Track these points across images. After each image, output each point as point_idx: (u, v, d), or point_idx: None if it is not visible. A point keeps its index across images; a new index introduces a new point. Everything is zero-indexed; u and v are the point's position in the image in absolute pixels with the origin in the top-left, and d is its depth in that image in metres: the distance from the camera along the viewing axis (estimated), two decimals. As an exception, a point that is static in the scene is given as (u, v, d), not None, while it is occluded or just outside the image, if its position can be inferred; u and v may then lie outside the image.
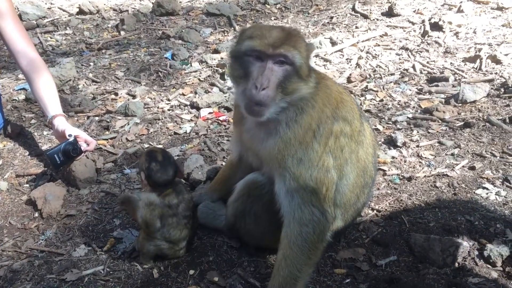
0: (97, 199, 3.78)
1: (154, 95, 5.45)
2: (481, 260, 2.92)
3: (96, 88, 5.65)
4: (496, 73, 5.23)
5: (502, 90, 4.83)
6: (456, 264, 2.90)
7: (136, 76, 5.89)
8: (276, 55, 2.46)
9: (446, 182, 3.64)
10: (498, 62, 5.42)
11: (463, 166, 3.79)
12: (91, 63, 6.25)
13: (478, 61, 5.47)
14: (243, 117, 2.83)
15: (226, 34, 6.94)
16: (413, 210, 3.39)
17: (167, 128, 4.78)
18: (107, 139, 4.61)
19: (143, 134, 4.68)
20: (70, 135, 3.89)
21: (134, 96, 5.40)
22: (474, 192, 3.51)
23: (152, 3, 7.95)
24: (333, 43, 6.24)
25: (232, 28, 7.05)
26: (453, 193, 3.52)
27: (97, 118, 4.98)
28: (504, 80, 4.97)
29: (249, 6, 7.82)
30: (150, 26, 7.40)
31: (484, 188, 3.52)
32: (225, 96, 5.21)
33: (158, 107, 5.17)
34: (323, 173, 2.61)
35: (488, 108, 4.61)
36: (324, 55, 6.00)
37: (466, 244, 2.94)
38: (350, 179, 2.78)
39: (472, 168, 3.75)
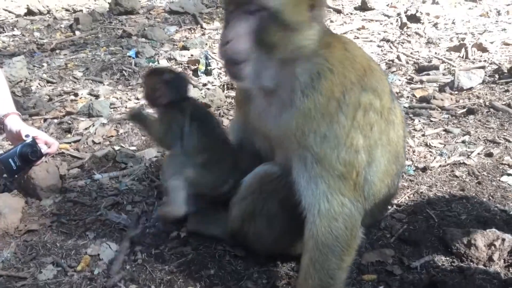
0: (63, 210, 3.16)
1: (120, 94, 4.86)
2: (530, 254, 2.54)
3: (52, 89, 4.99)
4: (485, 61, 5.00)
5: (497, 76, 4.59)
6: (502, 261, 2.50)
7: (97, 76, 5.28)
8: (243, 2, 2.00)
9: (465, 171, 3.27)
10: (484, 50, 5.21)
11: (478, 154, 3.45)
12: (44, 64, 5.59)
13: (463, 50, 5.23)
14: (247, 95, 2.38)
15: (193, 31, 6.45)
16: (437, 202, 2.99)
17: (139, 128, 4.19)
18: (69, 143, 3.98)
19: (112, 136, 4.09)
20: (27, 136, 3.24)
21: (97, 96, 4.79)
22: (499, 180, 3.15)
23: (109, 2, 7.35)
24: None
25: (199, 26, 6.56)
26: (477, 182, 3.15)
27: (56, 120, 4.34)
28: (497, 66, 4.74)
29: (214, 3, 7.37)
30: (108, 25, 6.80)
31: (509, 175, 3.18)
32: (201, 92, 4.70)
33: (126, 107, 4.59)
34: (352, 154, 2.14)
35: (486, 94, 4.33)
36: (303, 49, 5.59)
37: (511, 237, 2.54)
38: (380, 166, 2.32)
39: (489, 155, 3.41)
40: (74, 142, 4.01)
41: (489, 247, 2.50)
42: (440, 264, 2.55)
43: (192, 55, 5.58)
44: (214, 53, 5.37)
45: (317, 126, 2.10)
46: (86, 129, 4.19)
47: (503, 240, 2.50)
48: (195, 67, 5.26)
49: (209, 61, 5.16)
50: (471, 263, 2.50)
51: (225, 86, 4.79)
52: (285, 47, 2.04)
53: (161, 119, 2.75)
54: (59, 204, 3.22)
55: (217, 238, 2.78)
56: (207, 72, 5.11)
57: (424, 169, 3.32)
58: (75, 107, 4.59)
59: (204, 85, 4.93)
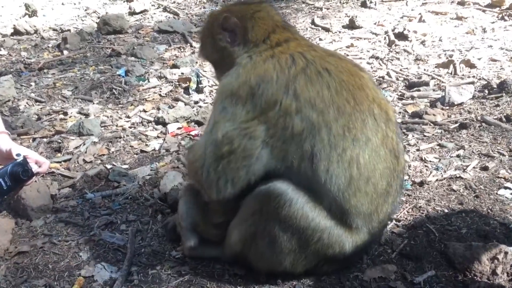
0: (55, 230, 3.07)
1: (110, 113, 4.81)
2: (532, 267, 2.52)
3: (41, 108, 4.91)
4: (473, 76, 5.06)
5: (487, 91, 4.64)
6: (506, 275, 2.47)
7: (86, 95, 5.22)
8: None
9: (462, 185, 3.26)
10: (472, 66, 5.27)
11: (474, 167, 3.45)
12: (32, 83, 5.51)
13: (451, 66, 5.29)
14: None
15: (182, 50, 6.44)
16: (437, 217, 2.97)
17: (131, 146, 4.14)
18: (60, 162, 3.90)
19: (103, 154, 4.02)
20: (18, 155, 3.16)
21: (87, 115, 4.72)
22: (497, 193, 3.15)
23: (97, 22, 7.33)
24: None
25: (188, 44, 6.56)
26: (475, 195, 3.14)
27: (45, 139, 4.26)
28: (486, 82, 4.79)
29: (202, 22, 7.37)
30: (96, 44, 6.76)
31: (506, 188, 3.18)
32: (193, 110, 4.66)
33: (117, 125, 4.53)
34: (241, 136, 2.28)
35: (477, 109, 4.37)
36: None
37: (514, 250, 2.52)
38: (340, 179, 2.27)
39: (485, 168, 3.41)
40: (65, 161, 3.92)
41: (492, 260, 2.47)
42: (444, 280, 2.51)
43: (182, 73, 5.56)
44: (205, 71, 5.36)
45: (224, 99, 2.34)
46: (76, 148, 4.12)
47: (506, 253, 2.49)
48: (186, 85, 5.24)
49: (200, 78, 5.14)
50: (475, 277, 2.47)
51: (217, 104, 4.76)
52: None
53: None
54: (51, 224, 3.13)
55: (216, 258, 2.71)
56: (199, 90, 5.09)
57: (421, 184, 3.31)
58: (64, 126, 4.52)
59: (196, 102, 4.90)
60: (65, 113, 4.76)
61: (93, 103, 5.01)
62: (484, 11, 6.77)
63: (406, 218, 2.99)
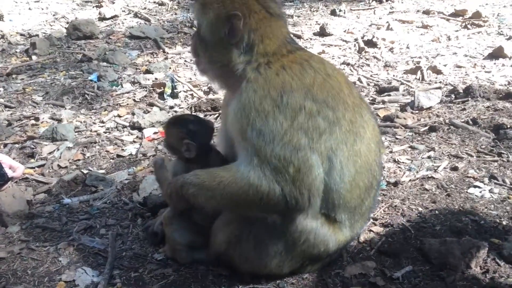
0: (32, 236, 3.02)
1: (83, 118, 4.75)
2: (502, 261, 2.64)
3: (11, 113, 4.82)
4: (440, 82, 5.25)
5: (453, 96, 4.82)
6: (479, 268, 2.59)
7: (58, 100, 5.15)
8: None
9: (434, 184, 3.39)
10: (439, 72, 5.48)
11: (444, 168, 3.59)
12: (1, 89, 5.40)
13: (419, 72, 5.48)
14: (227, 98, 2.65)
15: (155, 55, 6.42)
16: (412, 215, 3.07)
17: (106, 151, 4.11)
18: (33, 168, 3.83)
19: (79, 159, 3.97)
20: (-8, 160, 3.10)
21: (59, 120, 4.66)
22: (467, 192, 3.28)
23: (66, 27, 7.24)
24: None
25: (161, 50, 6.55)
26: (446, 194, 3.27)
27: (17, 145, 4.18)
28: (452, 87, 4.99)
29: (175, 29, 7.38)
30: (66, 49, 6.67)
31: (475, 186, 3.32)
32: (169, 115, 4.66)
33: (91, 130, 4.49)
34: (289, 151, 2.23)
35: (445, 113, 4.54)
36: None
37: (486, 244, 2.64)
38: (345, 176, 2.36)
39: (455, 169, 3.56)
40: (39, 166, 3.87)
41: (466, 255, 2.58)
42: (421, 274, 2.60)
43: (156, 78, 5.56)
44: (180, 76, 5.37)
45: (253, 121, 2.24)
46: (50, 153, 4.06)
47: (478, 247, 2.60)
48: (161, 90, 5.23)
49: (175, 84, 5.15)
50: (450, 271, 2.57)
51: (193, 109, 4.79)
52: (207, 61, 2.47)
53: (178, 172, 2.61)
54: (27, 230, 3.08)
55: (200, 261, 2.73)
56: (173, 95, 5.09)
57: (395, 184, 3.42)
58: (36, 131, 4.45)
59: (171, 107, 4.91)
60: (37, 119, 4.68)
61: (65, 109, 4.95)
62: (448, 20, 7.05)
63: (382, 217, 3.08)
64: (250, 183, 2.23)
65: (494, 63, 5.55)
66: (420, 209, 3.13)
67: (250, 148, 2.26)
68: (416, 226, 2.97)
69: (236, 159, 2.44)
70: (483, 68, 5.48)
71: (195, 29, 2.60)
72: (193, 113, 4.70)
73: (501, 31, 6.42)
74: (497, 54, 5.67)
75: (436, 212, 3.07)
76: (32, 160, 3.95)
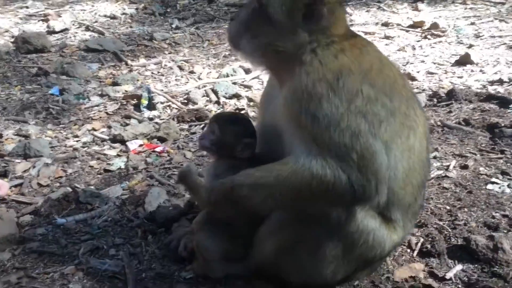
0: (28, 262, 2.60)
1: (52, 133, 4.32)
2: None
3: (-33, 132, 4.26)
4: (417, 88, 5.31)
5: (435, 100, 4.88)
6: (530, 260, 2.52)
7: (19, 115, 4.68)
8: None
9: (451, 183, 3.33)
10: (413, 79, 5.55)
11: (454, 167, 3.55)
12: (-51, 106, 4.79)
13: (393, 79, 5.53)
14: (269, 88, 2.49)
15: (118, 68, 6.04)
16: (442, 213, 2.97)
17: (90, 166, 3.71)
18: (10, 187, 3.35)
19: (61, 176, 3.55)
20: (-26, 176, 2.64)
21: (27, 136, 4.19)
22: (487, 188, 3.25)
23: (13, 41, 6.68)
24: (247, 71, 5.79)
25: (123, 63, 6.17)
26: (467, 191, 3.21)
27: (-17, 164, 3.66)
28: (432, 92, 5.05)
29: (133, 41, 7.02)
30: (17, 63, 6.13)
31: (493, 183, 3.29)
32: (152, 126, 4.32)
33: (66, 145, 4.06)
34: (349, 136, 2.06)
35: (432, 116, 4.56)
36: (243, 82, 5.51)
37: (532, 236, 2.58)
38: (398, 172, 2.20)
39: (465, 167, 3.53)
40: (15, 186, 3.39)
41: (517, 248, 2.51)
42: (473, 272, 2.49)
43: (126, 90, 5.19)
44: (156, 88, 5.07)
45: (305, 105, 2.08)
46: (25, 171, 3.61)
47: (527, 240, 2.54)
48: (135, 102, 4.88)
49: (152, 95, 4.82)
50: (502, 267, 2.47)
51: (176, 119, 4.48)
52: (265, 39, 2.21)
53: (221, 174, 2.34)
54: (21, 256, 2.65)
55: (236, 275, 2.44)
56: (150, 106, 4.75)
57: (413, 185, 3.32)
58: (2, 148, 3.94)
59: (151, 119, 4.57)
60: (0, 135, 4.17)
61: (29, 124, 4.47)
62: (407, 31, 7.22)
63: (414, 217, 2.95)
64: (313, 173, 2.03)
65: (463, 69, 5.71)
66: (448, 207, 3.04)
67: (307, 136, 2.08)
68: (451, 224, 2.87)
69: (272, 156, 2.24)
70: (454, 74, 5.62)
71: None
72: (177, 124, 4.40)
73: (461, 40, 6.67)
74: (464, 61, 5.85)
75: (465, 209, 3.00)
76: (6, 180, 3.46)
